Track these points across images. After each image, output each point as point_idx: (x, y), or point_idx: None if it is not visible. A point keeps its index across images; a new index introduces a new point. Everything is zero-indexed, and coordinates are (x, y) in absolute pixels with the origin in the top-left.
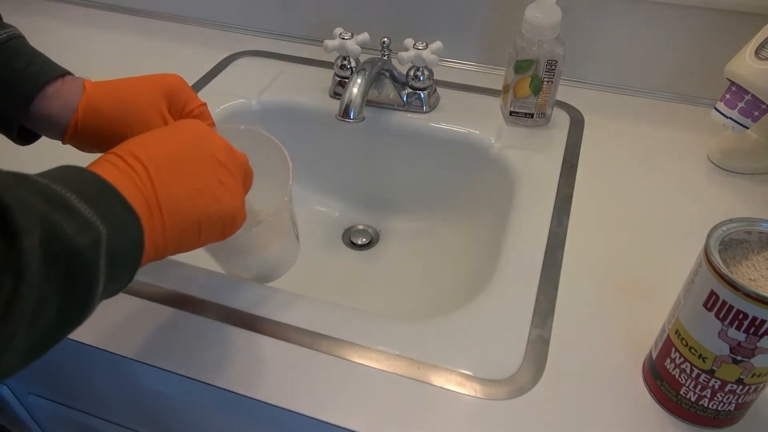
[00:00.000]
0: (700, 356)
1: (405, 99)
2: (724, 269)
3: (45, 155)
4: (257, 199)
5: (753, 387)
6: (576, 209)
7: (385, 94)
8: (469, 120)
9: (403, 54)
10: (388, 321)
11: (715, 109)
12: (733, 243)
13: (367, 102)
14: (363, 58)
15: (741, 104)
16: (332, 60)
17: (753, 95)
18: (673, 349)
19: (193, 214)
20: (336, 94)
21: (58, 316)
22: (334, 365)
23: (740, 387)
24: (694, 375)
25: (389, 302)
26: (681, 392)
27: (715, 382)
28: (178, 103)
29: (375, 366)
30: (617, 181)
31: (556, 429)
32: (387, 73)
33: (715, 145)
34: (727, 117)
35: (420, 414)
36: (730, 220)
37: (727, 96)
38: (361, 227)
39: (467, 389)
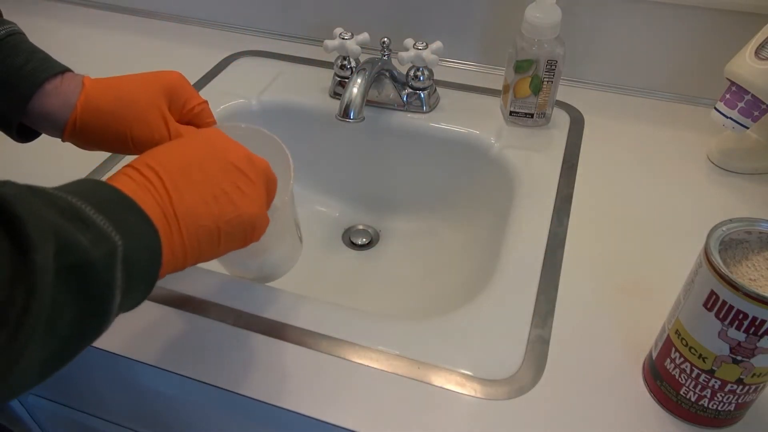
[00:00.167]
0: (700, 356)
1: (405, 99)
2: (724, 269)
3: (44, 153)
4: None
5: (753, 387)
6: (576, 209)
7: (385, 94)
8: (469, 120)
9: (403, 54)
10: (388, 321)
11: (715, 109)
12: (733, 243)
13: (367, 102)
14: (363, 58)
15: (741, 104)
16: (332, 60)
17: (753, 95)
18: (673, 349)
19: (211, 221)
20: (336, 94)
21: (73, 330)
22: (334, 365)
23: (740, 387)
24: (694, 375)
25: (389, 302)
26: (681, 392)
27: (715, 382)
28: (179, 101)
29: (375, 366)
30: (617, 181)
31: (556, 429)
32: (387, 73)
33: (715, 145)
34: (727, 117)
35: (420, 414)
36: (730, 220)
37: (727, 96)
38: (361, 227)
39: (467, 389)
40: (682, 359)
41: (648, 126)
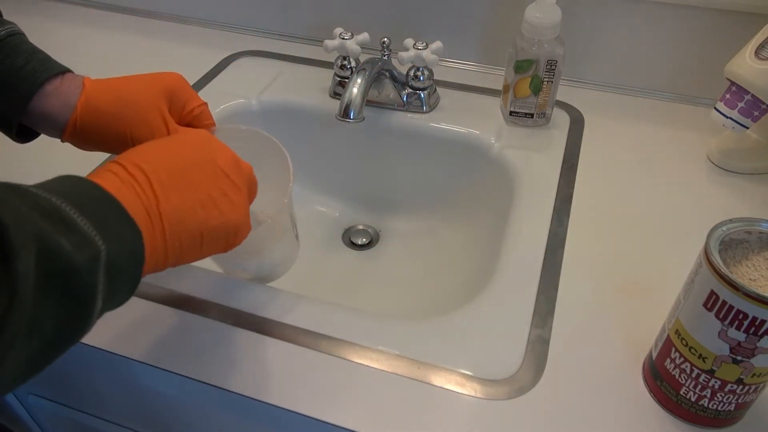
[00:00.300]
0: (700, 356)
1: (405, 99)
2: (724, 269)
3: (44, 153)
4: (258, 200)
5: (753, 387)
6: (576, 209)
7: (385, 94)
8: (469, 120)
9: (403, 54)
10: (388, 321)
11: (715, 109)
12: (733, 243)
13: (367, 102)
14: (363, 58)
15: (741, 104)
16: (332, 60)
17: (753, 95)
18: (673, 349)
19: (195, 226)
20: (336, 94)
21: (54, 334)
22: (335, 365)
23: (740, 387)
24: (694, 375)
25: (389, 302)
26: (681, 392)
27: (715, 382)
28: (179, 103)
29: (375, 366)
30: (617, 181)
31: (556, 429)
32: (387, 73)
33: (715, 145)
34: (727, 117)
35: (420, 414)
36: (730, 220)
37: (727, 96)
38: (361, 227)
39: (467, 389)
40: (682, 359)
41: (648, 126)
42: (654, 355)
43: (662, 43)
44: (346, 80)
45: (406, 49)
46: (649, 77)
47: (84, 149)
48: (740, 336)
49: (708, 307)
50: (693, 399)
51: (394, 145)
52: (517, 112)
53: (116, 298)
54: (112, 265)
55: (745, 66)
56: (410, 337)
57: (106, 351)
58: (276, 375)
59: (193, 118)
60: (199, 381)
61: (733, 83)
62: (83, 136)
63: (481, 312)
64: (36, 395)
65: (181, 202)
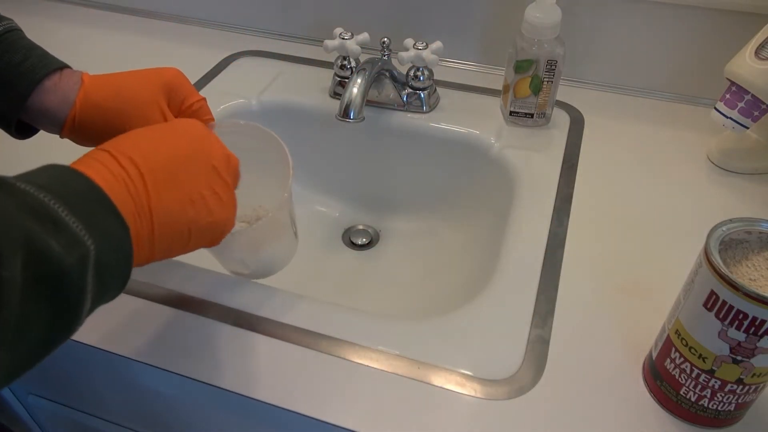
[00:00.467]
0: (700, 356)
1: (405, 99)
2: (724, 269)
3: (43, 149)
4: (258, 194)
5: (753, 387)
6: (576, 209)
7: (385, 94)
8: (469, 120)
9: (403, 54)
10: (388, 321)
11: (715, 109)
12: (733, 243)
13: (367, 102)
14: (363, 58)
15: (741, 104)
16: (332, 60)
17: (753, 95)
18: (673, 349)
19: (184, 223)
20: (336, 94)
21: (42, 335)
22: (334, 365)
23: (740, 387)
24: (694, 375)
25: (389, 302)
26: (681, 392)
27: (715, 382)
28: (177, 98)
29: (375, 366)
30: (617, 181)
31: (556, 429)
32: (387, 73)
33: (715, 145)
34: (727, 117)
35: (420, 414)
36: (730, 220)
37: (727, 96)
38: (361, 227)
39: (467, 389)
40: (682, 359)
41: (648, 126)
42: (654, 355)
43: (662, 43)
44: (346, 80)
45: (406, 49)
46: (649, 77)
47: (83, 145)
48: (740, 336)
49: (708, 307)
50: (693, 399)
51: (394, 145)
52: (517, 112)
53: (105, 296)
54: (100, 264)
55: (745, 66)
56: (410, 337)
57: (106, 351)
58: (276, 375)
59: (192, 114)
60: (198, 381)
61: (733, 83)
62: (82, 131)
63: (481, 312)
64: (36, 395)
65: (172, 201)
